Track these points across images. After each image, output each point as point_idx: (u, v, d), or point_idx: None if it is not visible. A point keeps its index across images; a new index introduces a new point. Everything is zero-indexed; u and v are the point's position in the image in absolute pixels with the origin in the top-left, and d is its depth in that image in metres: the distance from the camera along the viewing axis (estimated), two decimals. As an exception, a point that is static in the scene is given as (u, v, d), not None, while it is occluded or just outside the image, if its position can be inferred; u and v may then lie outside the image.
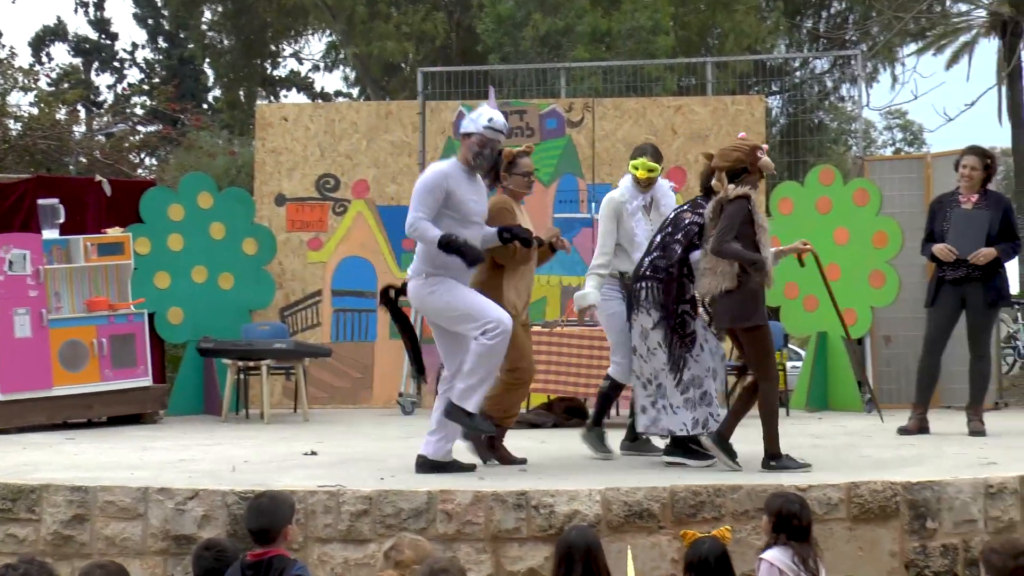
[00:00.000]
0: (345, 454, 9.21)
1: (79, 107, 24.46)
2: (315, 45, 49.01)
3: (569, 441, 9.53)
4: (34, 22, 59.04)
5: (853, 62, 22.98)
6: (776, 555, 6.09)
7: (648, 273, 8.33)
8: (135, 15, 37.42)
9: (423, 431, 11.13)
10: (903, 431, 10.10)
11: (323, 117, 14.96)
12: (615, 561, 6.68)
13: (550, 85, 17.01)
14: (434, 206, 7.94)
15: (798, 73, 29.33)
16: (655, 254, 8.36)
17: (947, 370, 11.08)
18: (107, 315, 12.17)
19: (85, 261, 12.27)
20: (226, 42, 30.63)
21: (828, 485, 7.15)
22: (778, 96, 26.14)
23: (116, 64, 39.61)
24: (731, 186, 8.05)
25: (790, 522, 6.14)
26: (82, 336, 11.94)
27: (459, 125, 14.22)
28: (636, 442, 9.04)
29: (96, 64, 39.45)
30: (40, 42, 39.19)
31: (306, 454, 9.17)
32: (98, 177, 13.86)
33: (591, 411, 9.44)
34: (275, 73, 34.71)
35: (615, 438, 9.07)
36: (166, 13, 34.63)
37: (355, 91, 33.15)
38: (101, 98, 36.99)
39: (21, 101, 27.02)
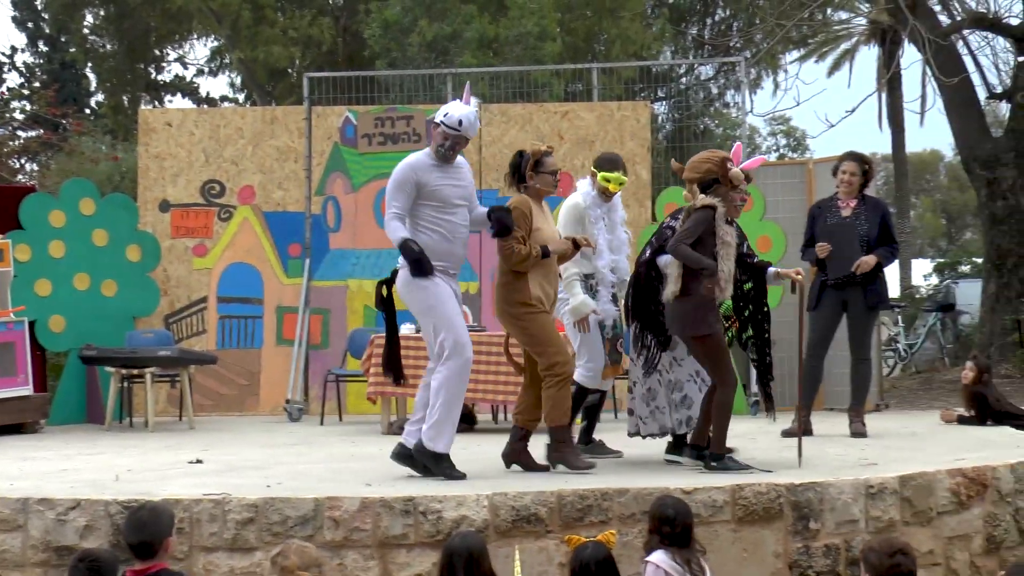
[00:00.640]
0: (231, 462, 9.12)
1: (-43, 112, 24.01)
2: (200, 50, 48.62)
3: (456, 446, 9.50)
4: (-90, 25, 57.79)
5: (737, 69, 23.29)
6: (661, 558, 6.15)
7: None
8: (14, 18, 36.71)
9: (310, 437, 11.19)
10: (787, 433, 10.22)
11: (208, 122, 14.82)
12: (503, 565, 6.70)
13: (437, 91, 17.06)
14: (406, 200, 7.99)
15: (683, 79, 29.63)
16: None
17: (829, 372, 11.24)
18: (-14, 323, 11.96)
19: (-37, 268, 12.05)
20: (109, 46, 30.23)
21: (713, 487, 7.22)
22: (664, 102, 26.36)
23: (-6, 68, 38.90)
24: (701, 196, 8.16)
25: (667, 526, 6.20)
26: (-39, 345, 11.73)
27: (346, 131, 14.33)
28: (591, 445, 9.11)
29: (-27, 68, 38.70)
30: (-84, 46, 38.37)
31: (191, 462, 9.06)
32: (-24, 183, 13.61)
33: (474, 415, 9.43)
34: (159, 78, 34.31)
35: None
36: (46, 16, 34.05)
37: (241, 96, 32.90)
38: (-21, 103, 36.29)
39: None
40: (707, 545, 6.82)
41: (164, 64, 33.99)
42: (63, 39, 33.47)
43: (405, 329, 12.00)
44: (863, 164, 10.67)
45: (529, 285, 8.23)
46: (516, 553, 6.63)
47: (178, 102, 34.92)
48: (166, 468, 8.79)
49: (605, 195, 9.07)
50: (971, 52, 22.38)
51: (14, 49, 37.41)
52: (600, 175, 9.03)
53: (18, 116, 25.10)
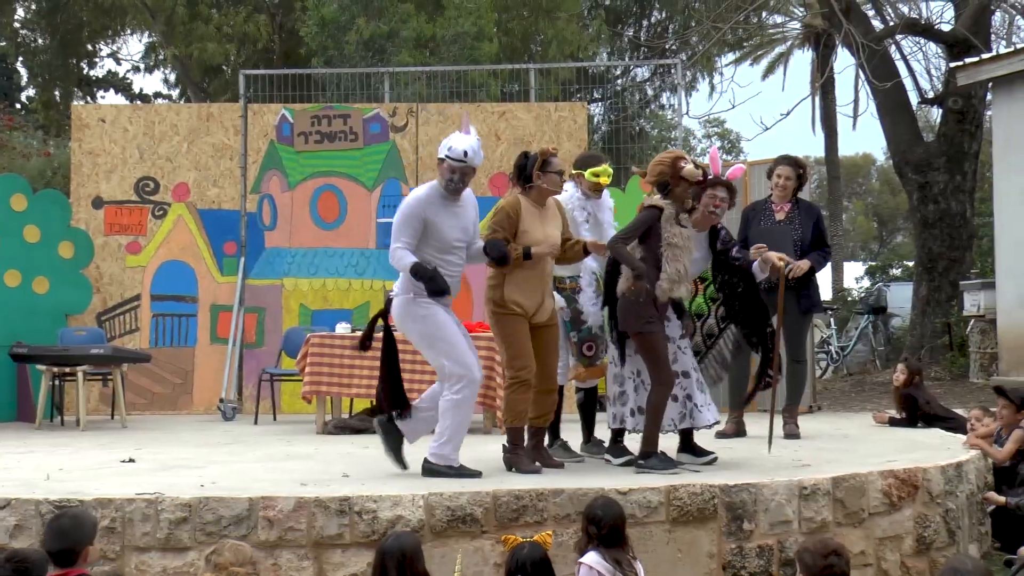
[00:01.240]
0: (164, 461, 9.05)
1: None
2: (134, 45, 48.19)
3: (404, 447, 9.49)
4: None
5: (673, 71, 23.38)
6: (594, 559, 6.18)
7: None
8: (-56, 12, 36.32)
9: (244, 436, 11.13)
10: (720, 435, 10.26)
11: (142, 119, 14.70)
12: (438, 566, 6.70)
13: (374, 90, 17.01)
14: (414, 235, 7.95)
15: (619, 81, 29.73)
16: None
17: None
18: (-86, 320, 11.82)
19: None
20: (41, 41, 29.93)
21: (648, 488, 7.24)
22: (599, 103, 26.46)
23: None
24: (651, 197, 8.26)
25: (595, 527, 6.24)
26: None
27: (282, 129, 14.27)
28: (590, 444, 9.18)
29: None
30: None
31: (124, 461, 8.98)
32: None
33: None
34: (92, 73, 34.02)
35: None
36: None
37: (175, 93, 32.68)
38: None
39: None
40: (641, 545, 6.87)
41: (97, 59, 33.71)
42: (-7, 33, 33.13)
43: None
44: (797, 168, 10.71)
45: (505, 287, 8.24)
46: (459, 556, 6.63)
47: (111, 98, 34.65)
48: (98, 467, 8.70)
49: (595, 192, 9.05)
50: (904, 57, 22.73)
51: (-56, 43, 37.00)
52: (588, 172, 9.02)
53: (-52, 110, 24.80)
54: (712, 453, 8.60)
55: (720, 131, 46.96)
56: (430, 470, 7.91)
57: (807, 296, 10.50)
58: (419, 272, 7.87)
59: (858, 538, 7.64)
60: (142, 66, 33.34)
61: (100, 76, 34.66)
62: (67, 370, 12.43)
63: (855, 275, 34.35)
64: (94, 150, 14.49)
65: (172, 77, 32.44)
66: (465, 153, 7.97)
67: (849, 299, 28.84)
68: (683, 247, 8.16)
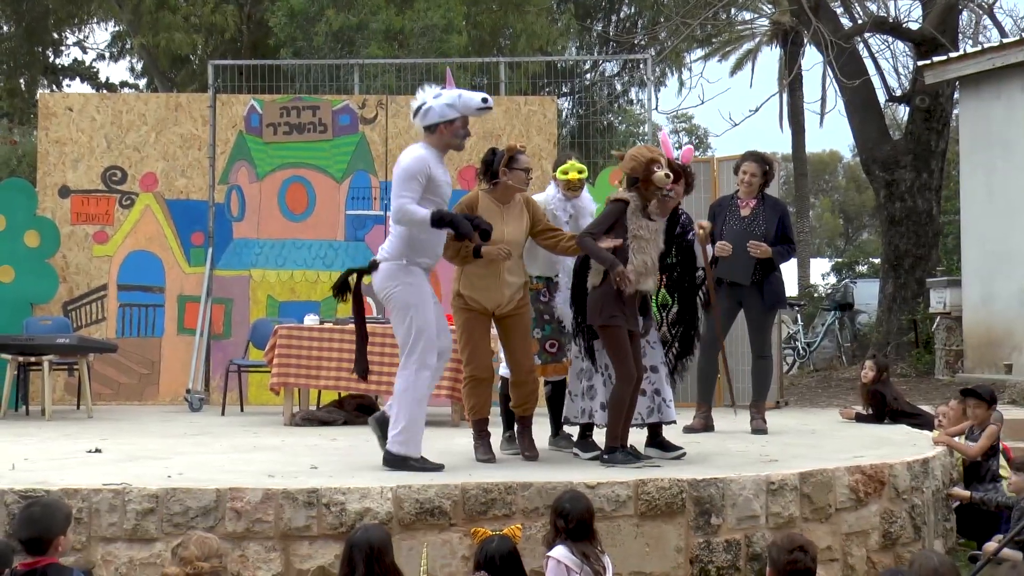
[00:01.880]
0: (131, 451, 9.00)
1: None
2: (100, 34, 47.90)
3: (360, 438, 9.49)
4: None
5: (642, 66, 23.42)
6: (562, 552, 6.19)
7: None
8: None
9: (211, 428, 11.09)
10: (688, 429, 10.29)
11: (110, 108, 14.62)
12: (407, 558, 6.69)
13: (343, 81, 16.97)
14: (418, 190, 7.84)
15: (588, 76, 29.75)
16: None
17: (731, 369, 11.32)
18: None
19: None
20: (6, 28, 29.69)
21: (616, 482, 7.25)
22: (568, 98, 26.46)
23: None
24: (619, 190, 8.27)
25: (563, 520, 6.25)
26: None
27: (251, 120, 14.21)
28: (558, 437, 9.20)
29: None
30: None
31: (90, 451, 8.93)
32: None
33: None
34: (58, 62, 33.75)
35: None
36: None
37: (142, 83, 32.50)
38: None
39: None
40: (609, 539, 6.88)
41: (63, 48, 33.45)
42: (-42, 20, 32.87)
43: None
44: (764, 164, 10.72)
45: (461, 280, 8.34)
46: (425, 549, 6.63)
47: (77, 87, 34.42)
48: (64, 457, 8.65)
49: (571, 191, 9.01)
50: (872, 55, 22.82)
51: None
52: (558, 171, 9.02)
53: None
54: (680, 448, 8.63)
55: (688, 127, 47.05)
56: (391, 461, 7.87)
57: (771, 291, 10.51)
58: (443, 219, 7.81)
59: (825, 533, 7.66)
60: (108, 55, 33.13)
61: (66, 64, 34.41)
62: (32, 359, 12.36)
63: (821, 271, 34.48)
64: (61, 139, 14.41)
65: (139, 66, 32.25)
66: (485, 100, 7.94)
67: (815, 295, 28.95)
68: (649, 239, 8.16)
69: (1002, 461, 9.72)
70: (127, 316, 14.23)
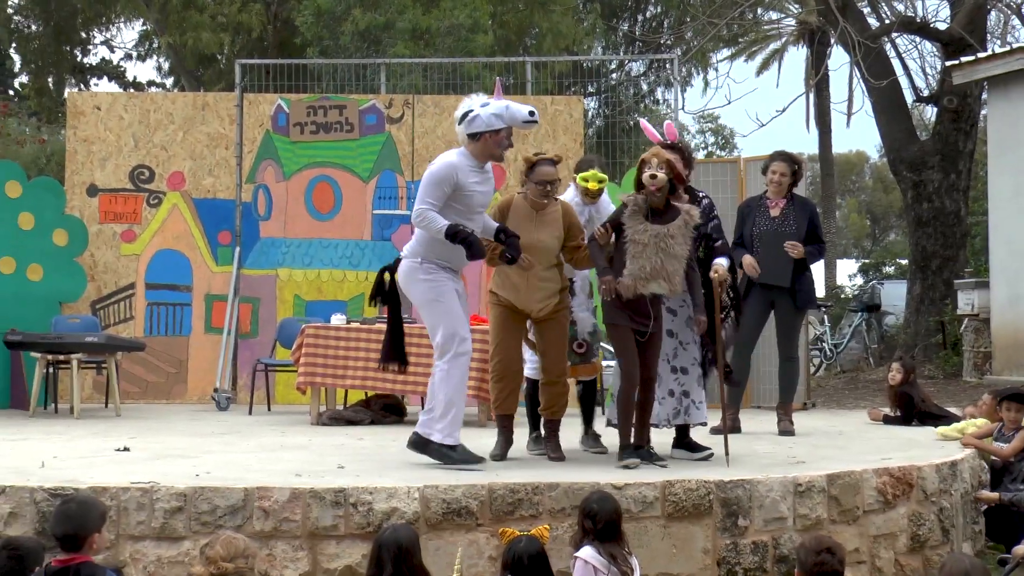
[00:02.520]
0: (159, 450, 9.03)
1: None
2: (127, 33, 48.06)
3: (387, 438, 9.50)
4: None
5: (668, 66, 23.38)
6: (590, 552, 6.17)
7: None
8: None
9: (238, 427, 11.11)
10: (715, 431, 10.27)
11: (138, 107, 14.67)
12: (434, 558, 6.69)
13: (370, 80, 16.98)
14: (442, 197, 7.92)
15: (614, 75, 29.72)
16: None
17: (757, 371, 11.32)
18: (-92, 306, 11.78)
19: None
20: (34, 27, 29.84)
21: (643, 483, 7.23)
22: (594, 98, 26.45)
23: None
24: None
25: (591, 521, 6.24)
26: None
27: (278, 119, 14.23)
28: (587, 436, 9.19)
29: None
30: None
31: (118, 450, 8.95)
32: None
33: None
34: (85, 61, 33.91)
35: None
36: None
37: (168, 81, 32.61)
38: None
39: None
40: (636, 540, 6.85)
41: (91, 47, 33.61)
42: (-13, 19, 33.03)
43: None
44: (793, 164, 10.70)
45: (495, 277, 8.50)
46: (459, 553, 6.62)
47: (104, 85, 34.59)
48: (92, 455, 8.68)
49: (588, 197, 8.95)
50: (899, 55, 22.72)
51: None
52: (579, 178, 8.99)
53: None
54: (707, 449, 8.61)
55: (714, 127, 46.95)
56: (416, 443, 7.99)
57: (803, 292, 10.50)
58: (456, 235, 7.84)
59: (852, 535, 7.63)
60: (135, 54, 33.26)
61: (93, 64, 34.57)
62: (61, 358, 12.41)
63: (848, 272, 34.38)
64: (89, 138, 14.46)
65: (166, 65, 32.37)
66: (532, 112, 8.01)
67: (842, 296, 28.86)
68: (649, 243, 8.04)
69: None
70: (155, 315, 14.27)
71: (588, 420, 9.19)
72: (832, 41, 23.24)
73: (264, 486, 7.02)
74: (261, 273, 14.29)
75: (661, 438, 8.71)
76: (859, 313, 23.57)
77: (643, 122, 9.06)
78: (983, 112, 20.25)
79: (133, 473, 7.50)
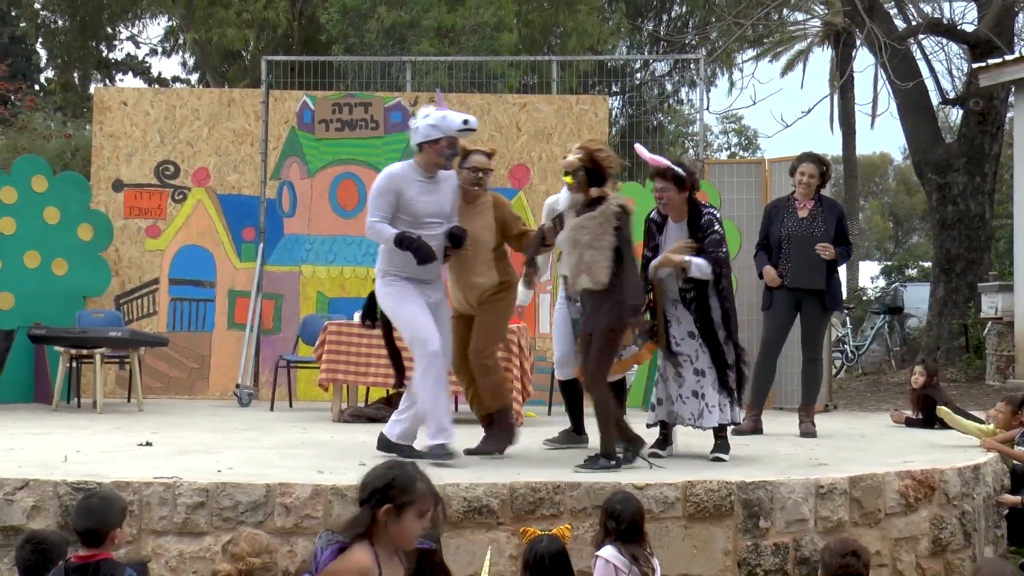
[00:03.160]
0: (181, 445, 9.06)
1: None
2: (153, 29, 48.18)
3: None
4: None
5: (693, 66, 23.35)
6: (611, 552, 6.16)
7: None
8: (-36, -8, 36.34)
9: (260, 423, 11.14)
10: (737, 431, 10.25)
11: (164, 103, 14.71)
12: (454, 556, 6.70)
13: (395, 78, 17.00)
14: (387, 208, 8.18)
15: (639, 75, 29.69)
16: None
17: (779, 372, 11.29)
18: (-66, 299, 11.83)
19: (-88, 243, 11.90)
20: (61, 22, 29.93)
21: (665, 484, 7.23)
22: (618, 97, 26.42)
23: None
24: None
25: (614, 521, 6.23)
26: (-93, 320, 11.58)
27: (303, 116, 14.25)
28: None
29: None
30: None
31: (141, 445, 9.00)
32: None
33: None
34: (111, 56, 34.00)
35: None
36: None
37: (194, 77, 32.69)
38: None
39: None
40: (657, 541, 6.86)
41: (116, 42, 33.69)
42: (14, 13, 33.14)
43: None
44: (821, 165, 10.70)
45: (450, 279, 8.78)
46: (488, 554, 6.62)
47: (129, 81, 34.68)
48: (115, 450, 8.71)
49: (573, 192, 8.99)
50: (926, 57, 22.65)
51: (-37, 23, 37.02)
52: (564, 176, 8.99)
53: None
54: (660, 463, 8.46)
55: (737, 127, 46.83)
56: (383, 443, 8.37)
57: (830, 294, 10.49)
58: (403, 241, 8.08)
59: (874, 538, 7.62)
60: (160, 50, 33.34)
61: (119, 59, 34.67)
62: (85, 352, 12.46)
63: (871, 274, 34.30)
64: (115, 133, 14.51)
65: (191, 61, 32.46)
66: (466, 121, 8.25)
67: (865, 298, 28.79)
68: (567, 238, 8.06)
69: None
70: (178, 310, 14.32)
71: (578, 420, 9.28)
72: (858, 42, 23.15)
73: (286, 482, 7.04)
74: (284, 270, 14.32)
75: (689, 439, 8.71)
76: (881, 315, 23.52)
77: (638, 147, 9.02)
78: (1009, 115, 20.19)
79: (155, 468, 7.54)
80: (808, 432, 10.32)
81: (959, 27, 21.28)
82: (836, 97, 35.08)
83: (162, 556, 6.90)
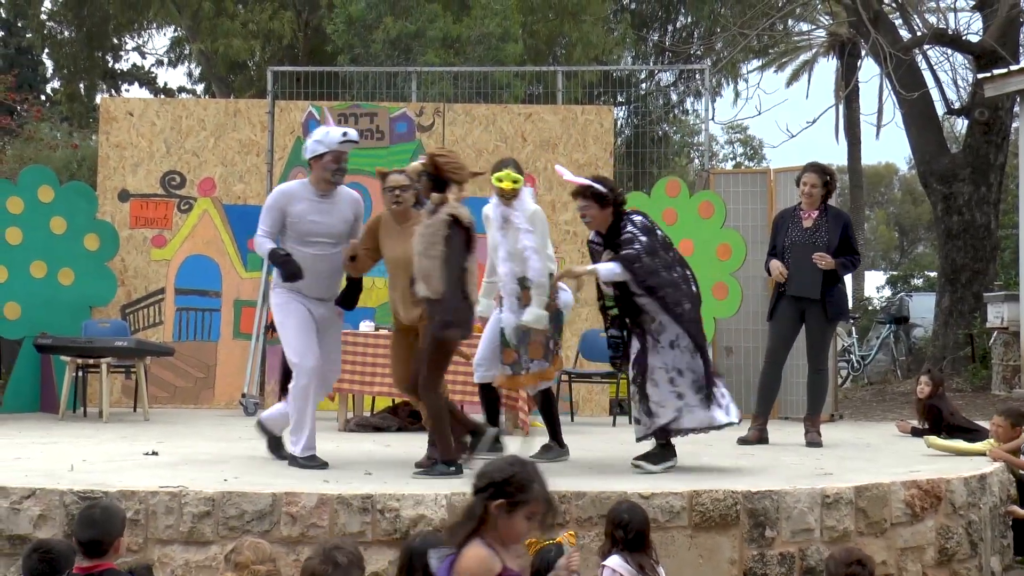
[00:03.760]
0: (187, 454, 9.08)
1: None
2: (159, 40, 48.29)
3: (414, 445, 9.51)
4: None
5: (698, 76, 23.35)
6: (618, 562, 6.17)
7: None
8: (-29, 3, 36.39)
9: (266, 432, 11.10)
10: (743, 441, 10.26)
11: (170, 113, 14.74)
12: (461, 565, 6.69)
13: (400, 88, 17.01)
14: (274, 224, 8.48)
15: (644, 85, 29.69)
16: None
17: (784, 382, 11.28)
18: (-60, 309, 11.85)
19: (-82, 253, 11.93)
20: (67, 33, 29.96)
21: (671, 493, 7.23)
22: (623, 107, 26.42)
23: (-50, 52, 38.53)
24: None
25: (622, 530, 6.22)
26: (-87, 330, 11.60)
27: (309, 126, 14.27)
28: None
29: (-71, 51, 38.31)
30: None
31: (147, 454, 9.02)
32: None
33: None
34: (117, 66, 34.06)
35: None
36: (3, 1, 33.75)
37: (199, 88, 32.73)
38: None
39: None
40: (663, 550, 6.85)
41: (122, 53, 33.75)
42: (20, 24, 33.19)
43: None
44: (825, 175, 10.69)
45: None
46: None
47: (135, 91, 34.73)
48: (121, 459, 8.73)
49: (503, 198, 8.83)
50: (931, 67, 22.60)
51: (-31, 33, 37.08)
52: (493, 177, 8.84)
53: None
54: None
55: (742, 137, 46.85)
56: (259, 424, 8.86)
57: (834, 304, 10.48)
58: (272, 257, 8.41)
59: (880, 548, 7.61)
60: (166, 60, 33.39)
61: (125, 69, 34.73)
62: (91, 362, 12.48)
63: (876, 284, 34.28)
64: (121, 143, 14.54)
65: (197, 72, 32.49)
66: (345, 133, 8.47)
67: (870, 308, 28.76)
68: (414, 246, 8.06)
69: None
70: (184, 320, 14.34)
71: (551, 432, 9.18)
72: (863, 53, 23.17)
73: (292, 492, 7.05)
74: (290, 279, 14.31)
75: (696, 447, 8.70)
76: (887, 325, 23.49)
77: (558, 167, 8.97)
78: (1014, 125, 20.16)
79: (161, 477, 7.55)
80: (814, 442, 10.31)
81: (964, 37, 21.26)
82: (841, 107, 35.08)
83: (168, 565, 6.91)
